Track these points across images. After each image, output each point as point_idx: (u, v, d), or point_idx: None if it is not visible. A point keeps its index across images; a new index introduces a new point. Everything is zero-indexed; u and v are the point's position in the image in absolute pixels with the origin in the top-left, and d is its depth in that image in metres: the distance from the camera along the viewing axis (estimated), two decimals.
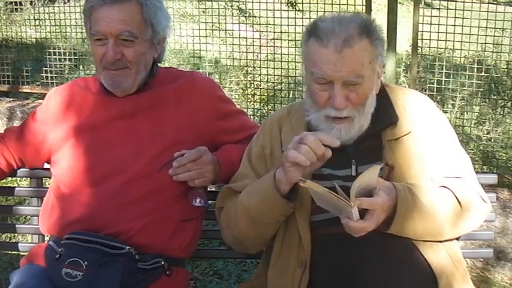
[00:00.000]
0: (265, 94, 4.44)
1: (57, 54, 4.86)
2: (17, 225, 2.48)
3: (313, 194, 1.56)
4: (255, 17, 5.26)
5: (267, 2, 4.15)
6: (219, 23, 4.58)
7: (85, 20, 1.91)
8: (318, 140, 1.52)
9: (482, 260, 3.17)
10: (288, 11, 5.59)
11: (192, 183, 1.87)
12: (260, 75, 4.40)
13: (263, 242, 1.79)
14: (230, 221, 1.78)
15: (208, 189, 2.03)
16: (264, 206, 1.65)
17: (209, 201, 1.96)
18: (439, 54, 3.98)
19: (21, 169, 2.12)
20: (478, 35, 3.63)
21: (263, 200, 1.64)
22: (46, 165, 2.09)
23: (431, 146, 1.71)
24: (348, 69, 1.58)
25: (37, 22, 5.45)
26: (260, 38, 5.58)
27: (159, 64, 2.03)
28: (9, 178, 2.28)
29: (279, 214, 1.67)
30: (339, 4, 3.89)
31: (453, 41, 3.66)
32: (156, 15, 1.89)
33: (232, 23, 5.47)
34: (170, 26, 1.99)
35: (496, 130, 3.74)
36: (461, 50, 3.70)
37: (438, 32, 3.67)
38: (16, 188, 2.22)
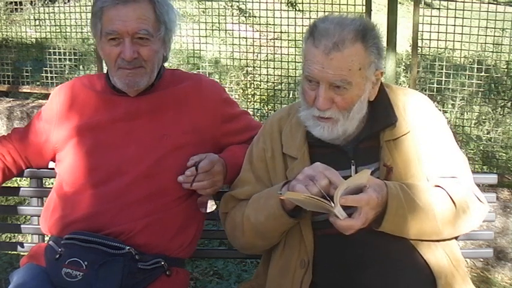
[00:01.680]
0: (265, 94, 4.44)
1: (57, 54, 4.87)
2: (17, 225, 2.47)
3: (297, 202, 1.57)
4: (255, 17, 5.26)
5: (267, 2, 4.14)
6: (219, 23, 4.58)
7: (94, 20, 1.88)
8: (329, 183, 1.52)
9: (482, 260, 3.18)
10: (288, 11, 5.59)
11: (203, 192, 1.88)
12: (260, 75, 4.40)
13: (270, 247, 1.80)
14: (236, 231, 1.80)
15: None
16: (272, 224, 1.68)
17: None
18: (439, 54, 3.97)
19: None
20: (478, 35, 3.63)
21: (271, 219, 1.67)
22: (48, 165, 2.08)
23: (428, 146, 1.71)
24: (333, 72, 1.59)
25: (37, 22, 5.45)
26: (260, 38, 5.59)
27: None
28: None
29: (286, 228, 1.70)
30: (339, 4, 3.89)
31: (453, 41, 3.66)
32: (168, 13, 1.89)
33: (232, 23, 5.48)
34: (178, 24, 1.99)
35: (496, 130, 3.73)
36: (461, 50, 3.69)
37: (438, 32, 3.66)
38: (16, 188, 2.22)
